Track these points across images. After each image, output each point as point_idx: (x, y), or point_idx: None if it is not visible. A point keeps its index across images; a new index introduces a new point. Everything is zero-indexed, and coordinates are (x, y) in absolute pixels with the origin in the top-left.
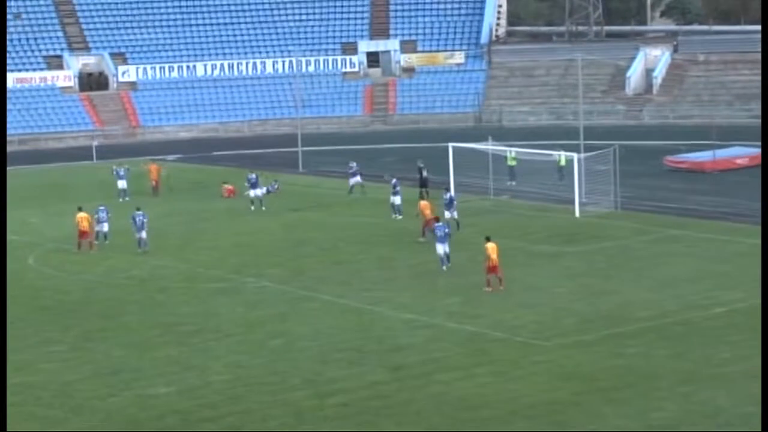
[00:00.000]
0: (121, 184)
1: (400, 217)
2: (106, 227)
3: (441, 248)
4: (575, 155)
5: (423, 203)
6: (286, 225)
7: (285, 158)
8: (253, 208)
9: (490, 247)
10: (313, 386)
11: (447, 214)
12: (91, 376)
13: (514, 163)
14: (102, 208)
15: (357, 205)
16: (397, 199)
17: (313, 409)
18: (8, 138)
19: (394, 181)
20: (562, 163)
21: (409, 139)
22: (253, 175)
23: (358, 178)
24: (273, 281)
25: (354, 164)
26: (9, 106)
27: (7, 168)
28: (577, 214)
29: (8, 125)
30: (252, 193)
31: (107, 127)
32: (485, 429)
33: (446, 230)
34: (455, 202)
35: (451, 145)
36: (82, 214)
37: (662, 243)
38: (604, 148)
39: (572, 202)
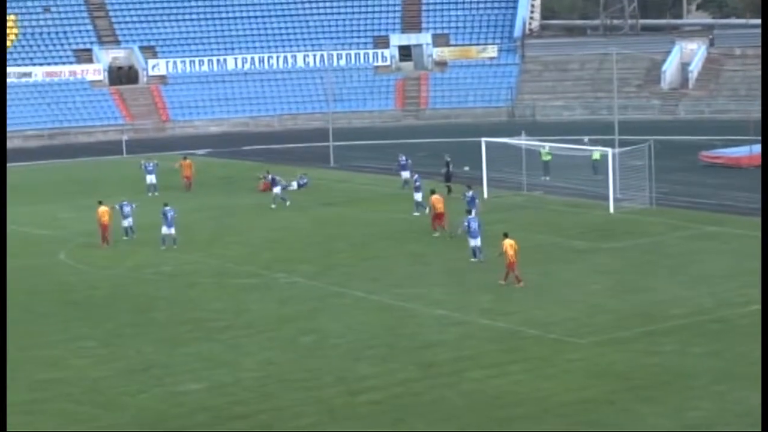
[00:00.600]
0: (150, 178)
1: (428, 211)
2: (130, 222)
3: (473, 242)
4: (610, 150)
5: (435, 197)
6: (317, 220)
7: (316, 153)
8: (273, 206)
9: (508, 243)
10: (345, 383)
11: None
12: (121, 372)
13: (548, 158)
14: (125, 203)
15: (388, 201)
16: (418, 196)
17: (345, 406)
18: (38, 132)
19: (415, 177)
20: (596, 157)
21: (441, 134)
22: (270, 175)
23: (408, 173)
24: (304, 277)
25: (403, 157)
26: (39, 100)
27: (38, 162)
28: (612, 210)
29: (38, 119)
30: (274, 191)
31: (137, 121)
32: (517, 427)
33: (477, 224)
34: (477, 201)
35: (483, 139)
36: (103, 208)
37: (698, 239)
38: (639, 144)
39: (607, 197)
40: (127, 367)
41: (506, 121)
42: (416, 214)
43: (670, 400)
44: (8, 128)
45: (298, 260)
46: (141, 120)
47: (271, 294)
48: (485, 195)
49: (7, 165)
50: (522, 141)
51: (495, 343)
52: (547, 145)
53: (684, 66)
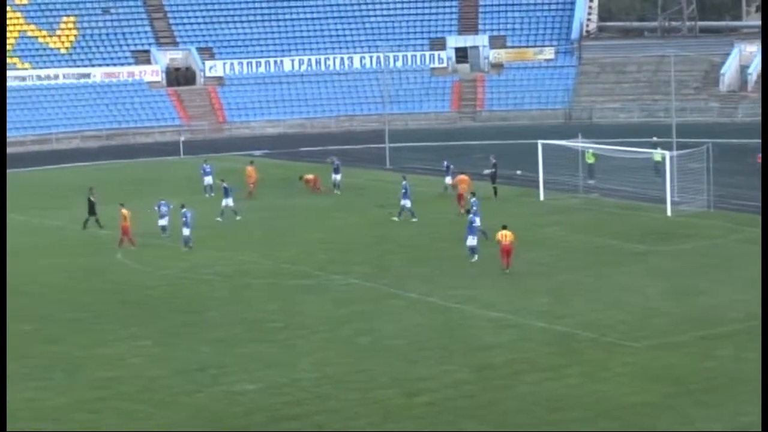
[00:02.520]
0: (207, 180)
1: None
2: (166, 221)
3: (468, 240)
4: (667, 153)
5: (461, 177)
6: (372, 221)
7: (372, 154)
8: (220, 219)
9: (502, 234)
10: (400, 385)
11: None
12: (176, 371)
13: (592, 160)
14: (163, 202)
15: (444, 202)
16: (406, 202)
17: (400, 408)
18: (97, 133)
19: (404, 183)
20: (658, 159)
21: (497, 136)
22: (223, 183)
23: (450, 178)
24: (359, 278)
25: (445, 162)
26: (98, 101)
27: (96, 162)
28: (669, 212)
29: (97, 120)
30: (224, 202)
31: (194, 122)
32: (572, 430)
33: (475, 223)
34: (476, 209)
35: (540, 142)
36: (125, 211)
37: (755, 243)
38: (697, 146)
39: (664, 200)
40: (183, 366)
41: (563, 123)
42: (395, 218)
43: (725, 404)
44: (67, 129)
45: (353, 261)
46: (198, 121)
47: (326, 295)
48: (541, 197)
49: (66, 165)
50: (578, 143)
51: (550, 346)
52: (592, 147)
53: (743, 68)
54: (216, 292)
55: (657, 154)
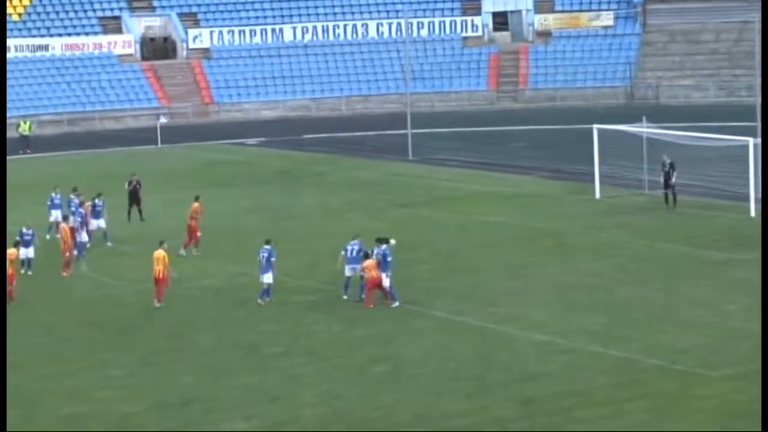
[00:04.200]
0: (56, 214)
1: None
2: (103, 224)
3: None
4: (750, 140)
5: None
6: (393, 224)
7: (391, 143)
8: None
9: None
10: (424, 422)
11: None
12: (154, 407)
13: None
14: (98, 201)
15: (479, 201)
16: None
17: None
18: (56, 117)
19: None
20: None
21: (543, 120)
22: (99, 201)
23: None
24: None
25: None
26: (58, 78)
27: (55, 153)
28: (753, 212)
29: (56, 101)
30: (95, 224)
31: (174, 104)
32: None
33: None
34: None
35: (596, 126)
36: (63, 225)
37: None
38: None
39: (747, 198)
40: (163, 400)
41: (624, 104)
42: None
43: None
44: (20, 112)
45: None
46: (179, 102)
47: (336, 314)
48: (597, 194)
49: (17, 157)
50: (643, 129)
51: (608, 375)
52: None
53: None
54: (204, 311)
55: None
